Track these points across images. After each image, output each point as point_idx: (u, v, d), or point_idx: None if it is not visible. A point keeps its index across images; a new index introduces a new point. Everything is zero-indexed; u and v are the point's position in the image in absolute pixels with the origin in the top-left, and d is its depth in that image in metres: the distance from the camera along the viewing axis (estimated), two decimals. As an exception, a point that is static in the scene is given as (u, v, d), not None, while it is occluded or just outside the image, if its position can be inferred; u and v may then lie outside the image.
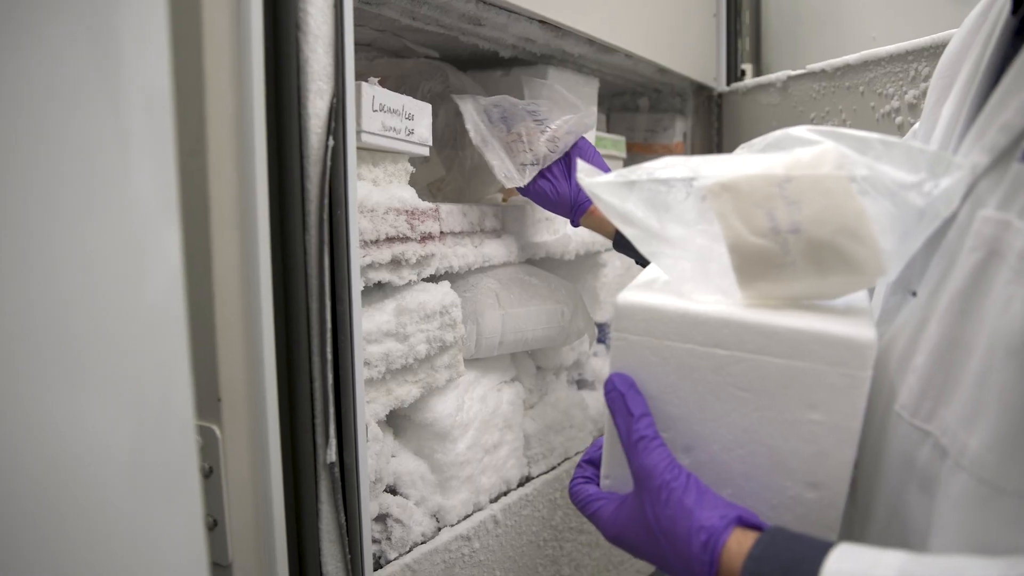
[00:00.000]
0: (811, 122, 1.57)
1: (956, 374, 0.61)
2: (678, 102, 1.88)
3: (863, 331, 0.65)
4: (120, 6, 0.45)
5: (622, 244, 1.12)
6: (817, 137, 0.70)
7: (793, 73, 1.61)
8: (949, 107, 0.75)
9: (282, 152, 0.73)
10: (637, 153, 1.86)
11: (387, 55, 1.32)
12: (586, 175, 0.72)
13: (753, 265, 0.68)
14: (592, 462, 0.82)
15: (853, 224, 0.65)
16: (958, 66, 0.78)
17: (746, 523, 0.66)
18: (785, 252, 0.66)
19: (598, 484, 0.79)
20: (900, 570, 0.54)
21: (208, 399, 0.70)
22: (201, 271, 0.69)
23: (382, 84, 1.17)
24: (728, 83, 1.84)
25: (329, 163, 0.75)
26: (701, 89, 1.84)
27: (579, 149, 1.15)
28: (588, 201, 1.12)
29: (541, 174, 1.11)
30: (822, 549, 0.58)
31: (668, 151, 1.85)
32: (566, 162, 1.14)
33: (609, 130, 1.91)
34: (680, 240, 0.70)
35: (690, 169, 0.71)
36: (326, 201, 0.76)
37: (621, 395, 0.72)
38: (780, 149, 0.72)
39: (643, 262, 1.09)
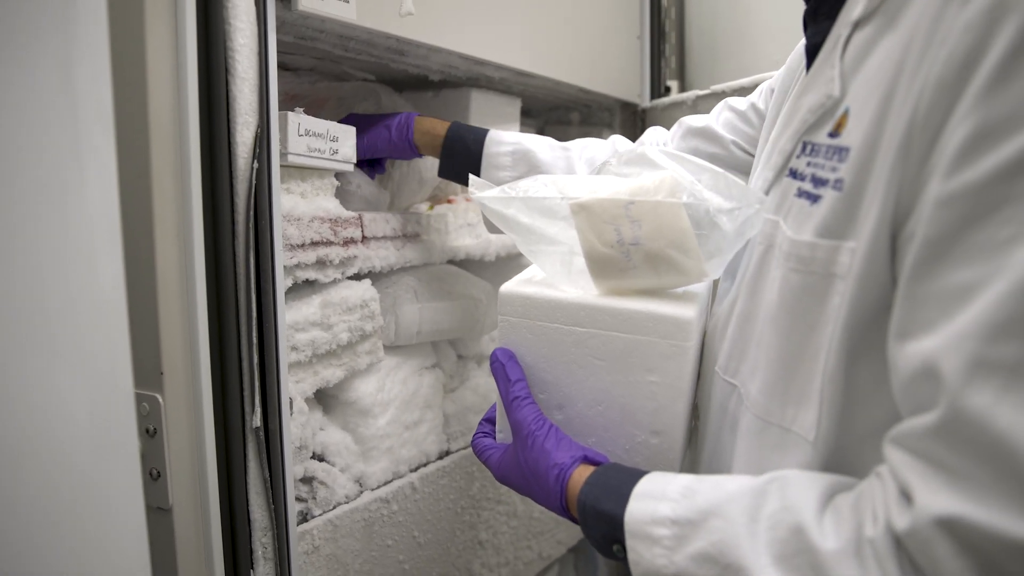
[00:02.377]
0: (715, 138, 1.75)
1: (748, 339, 0.80)
2: (607, 116, 2.06)
3: (686, 311, 0.84)
4: (75, 60, 0.62)
5: (446, 170, 1.30)
6: (664, 161, 0.89)
7: (701, 93, 1.79)
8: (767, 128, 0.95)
9: (214, 173, 0.90)
10: (569, 163, 2.04)
11: (328, 79, 1.48)
12: (477, 189, 0.91)
13: (603, 268, 0.86)
14: (490, 420, 1.00)
15: (681, 240, 0.83)
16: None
17: (591, 461, 0.84)
18: (628, 259, 0.85)
19: (495, 438, 0.97)
20: (685, 486, 0.71)
21: (152, 373, 0.87)
22: (147, 270, 0.86)
23: (321, 106, 1.34)
24: (651, 99, 2.02)
25: (254, 182, 0.92)
26: (627, 105, 2.01)
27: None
28: (409, 127, 1.28)
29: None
30: (638, 475, 0.76)
31: (596, 161, 2.02)
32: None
33: (544, 141, 2.08)
34: (551, 243, 0.89)
35: (558, 189, 0.90)
36: (251, 213, 0.93)
37: (502, 365, 0.91)
38: (637, 165, 0.91)
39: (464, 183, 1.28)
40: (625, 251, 0.85)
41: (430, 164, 1.44)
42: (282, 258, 0.98)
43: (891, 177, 0.59)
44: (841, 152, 0.66)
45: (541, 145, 1.28)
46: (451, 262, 1.46)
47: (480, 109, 1.53)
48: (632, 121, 2.04)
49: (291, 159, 1.04)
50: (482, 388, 1.49)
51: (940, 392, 0.52)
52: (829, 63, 0.72)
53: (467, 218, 1.48)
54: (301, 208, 1.08)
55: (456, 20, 1.28)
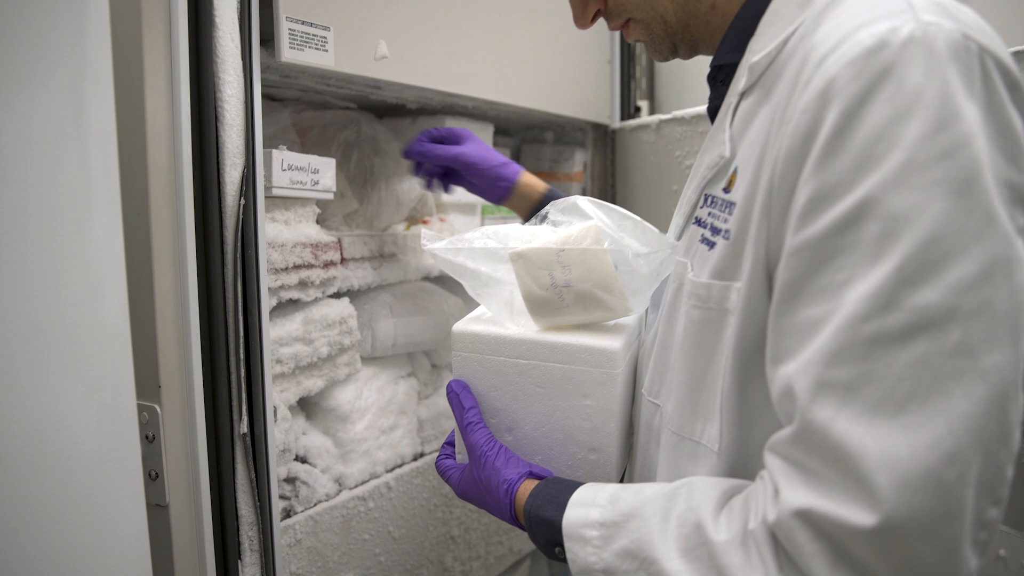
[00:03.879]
0: (676, 159, 1.88)
1: (666, 364, 0.92)
2: (579, 135, 2.17)
3: (613, 343, 0.96)
4: (85, 118, 0.74)
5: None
6: (592, 210, 1.01)
7: (664, 117, 1.91)
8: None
9: (206, 210, 1.02)
10: (545, 180, 2.16)
11: (313, 108, 1.60)
12: (428, 241, 1.03)
13: (540, 308, 0.99)
14: (451, 443, 1.12)
15: (606, 281, 0.96)
16: None
17: (535, 476, 0.96)
18: (561, 300, 0.97)
19: (455, 459, 1.09)
20: (612, 493, 0.83)
21: (151, 386, 0.99)
22: (146, 296, 0.97)
23: (306, 134, 1.45)
24: (621, 120, 2.13)
25: (241, 216, 1.04)
26: (598, 125, 2.13)
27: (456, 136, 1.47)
28: (514, 176, 1.44)
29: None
30: (575, 487, 0.88)
31: (570, 179, 2.13)
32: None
33: (520, 159, 2.20)
34: (496, 285, 1.01)
35: (499, 240, 1.02)
36: (239, 243, 1.04)
37: (457, 394, 1.03)
38: (570, 214, 1.04)
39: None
40: (559, 292, 0.98)
41: (407, 187, 1.56)
42: (266, 282, 1.10)
43: (760, 229, 0.71)
44: (730, 206, 0.78)
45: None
46: (426, 279, 1.58)
47: (454, 135, 1.65)
48: (603, 140, 2.16)
49: (275, 191, 1.16)
50: (455, 395, 1.60)
51: (795, 407, 0.64)
52: (721, 127, 0.84)
53: (440, 237, 1.59)
54: (285, 235, 1.19)
55: (428, 59, 1.39)
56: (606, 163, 2.16)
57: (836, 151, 0.63)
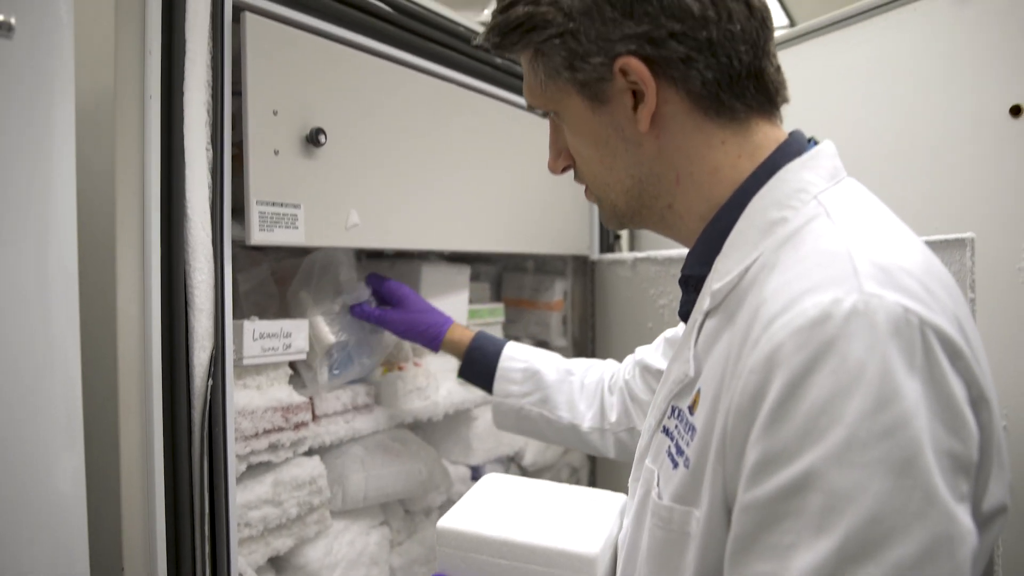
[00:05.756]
0: (651, 297, 1.92)
1: (632, 569, 0.92)
2: (560, 264, 2.23)
3: (591, 549, 1.00)
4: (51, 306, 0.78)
5: (465, 373, 1.48)
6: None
7: (639, 255, 1.96)
8: None
9: (174, 391, 1.06)
10: (525, 308, 2.21)
11: (293, 254, 1.65)
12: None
13: None
14: None
15: None
16: None
17: None
18: None
19: None
20: None
21: (113, 570, 1.01)
22: (112, 478, 1.00)
23: (285, 283, 1.50)
24: (601, 252, 2.19)
25: (209, 397, 1.08)
26: (578, 256, 2.18)
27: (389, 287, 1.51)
28: (445, 326, 1.48)
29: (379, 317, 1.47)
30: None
31: (550, 308, 2.18)
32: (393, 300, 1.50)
33: (502, 286, 2.26)
34: None
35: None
36: (207, 423, 1.08)
37: None
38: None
39: (487, 388, 1.46)
40: None
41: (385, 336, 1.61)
42: (234, 458, 1.13)
43: (716, 471, 0.73)
44: (692, 431, 0.80)
45: (549, 367, 1.45)
46: (400, 425, 1.61)
47: (430, 280, 1.70)
48: (583, 270, 2.21)
49: (247, 362, 1.20)
50: (428, 540, 1.62)
51: None
52: (687, 344, 0.85)
53: (416, 383, 1.63)
54: (256, 402, 1.23)
55: (399, 220, 1.45)
56: (586, 293, 2.21)
57: (782, 418, 0.64)
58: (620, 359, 1.46)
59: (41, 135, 0.81)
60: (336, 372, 1.41)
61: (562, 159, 0.97)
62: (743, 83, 0.82)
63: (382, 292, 1.51)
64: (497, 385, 1.44)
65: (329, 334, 1.38)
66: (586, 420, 1.41)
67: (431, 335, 1.47)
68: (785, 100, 0.88)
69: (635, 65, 0.80)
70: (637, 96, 0.83)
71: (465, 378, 1.49)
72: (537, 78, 0.89)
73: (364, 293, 1.48)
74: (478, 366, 1.46)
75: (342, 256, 1.55)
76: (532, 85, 0.91)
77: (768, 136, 0.86)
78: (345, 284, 1.48)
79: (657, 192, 0.89)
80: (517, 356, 1.45)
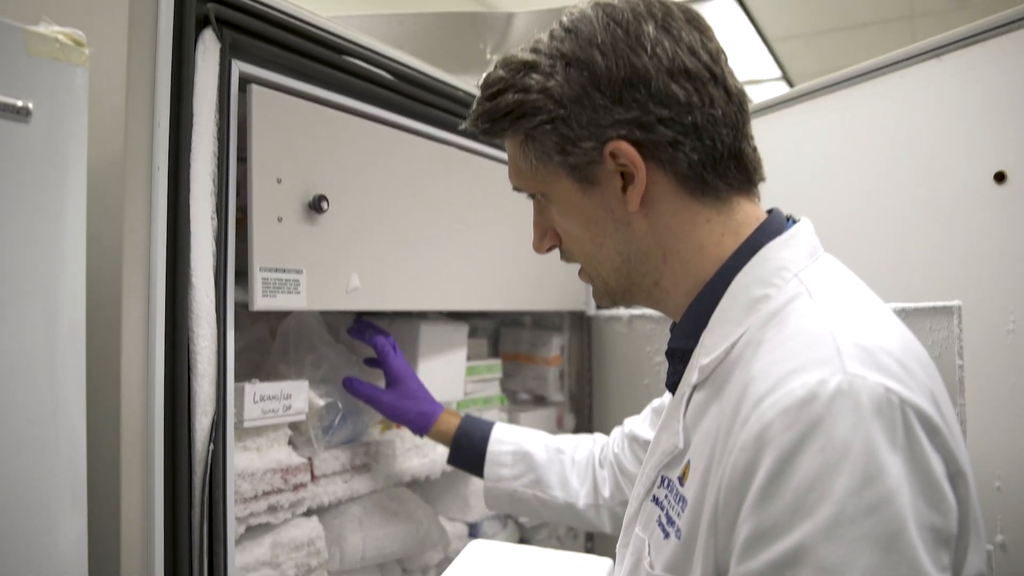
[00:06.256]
0: (647, 354, 1.95)
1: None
2: (557, 319, 2.25)
3: None
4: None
5: (455, 460, 1.49)
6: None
7: (635, 312, 1.99)
8: None
9: (176, 456, 1.07)
10: (522, 363, 2.23)
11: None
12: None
13: None
14: None
15: None
16: None
17: None
18: None
19: None
20: None
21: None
22: (112, 544, 1.01)
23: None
24: (597, 308, 2.21)
25: (210, 461, 1.09)
26: (575, 312, 2.21)
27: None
28: (434, 416, 1.49)
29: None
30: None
31: (547, 363, 2.19)
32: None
33: (499, 341, 2.27)
34: None
35: None
36: (207, 488, 1.09)
37: None
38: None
39: (478, 473, 1.47)
40: None
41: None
42: (233, 521, 1.14)
43: (708, 544, 0.75)
44: (683, 502, 0.81)
45: (538, 446, 1.47)
46: (398, 484, 1.62)
47: (429, 339, 1.71)
48: (579, 325, 2.23)
49: (247, 424, 1.21)
50: (426, 599, 1.62)
51: None
52: (676, 416, 0.87)
53: (415, 441, 1.64)
54: (255, 464, 1.24)
55: (399, 282, 1.48)
56: (583, 347, 2.23)
57: (772, 495, 0.67)
58: (617, 414, 1.48)
59: (54, 211, 0.85)
60: (330, 434, 1.42)
61: (548, 239, 1.00)
62: (725, 163, 0.86)
63: (375, 347, 1.51)
64: (488, 469, 1.46)
65: (316, 398, 1.39)
66: (581, 497, 1.42)
67: (419, 424, 1.48)
68: (762, 179, 0.92)
69: (625, 149, 0.84)
70: (626, 178, 0.87)
71: (454, 465, 1.51)
72: (527, 161, 0.92)
73: (345, 359, 1.50)
74: (466, 451, 1.48)
75: (312, 321, 1.55)
76: (521, 168, 0.94)
77: (749, 214, 0.89)
78: (321, 348, 1.50)
79: (645, 269, 0.91)
80: (506, 439, 1.47)
